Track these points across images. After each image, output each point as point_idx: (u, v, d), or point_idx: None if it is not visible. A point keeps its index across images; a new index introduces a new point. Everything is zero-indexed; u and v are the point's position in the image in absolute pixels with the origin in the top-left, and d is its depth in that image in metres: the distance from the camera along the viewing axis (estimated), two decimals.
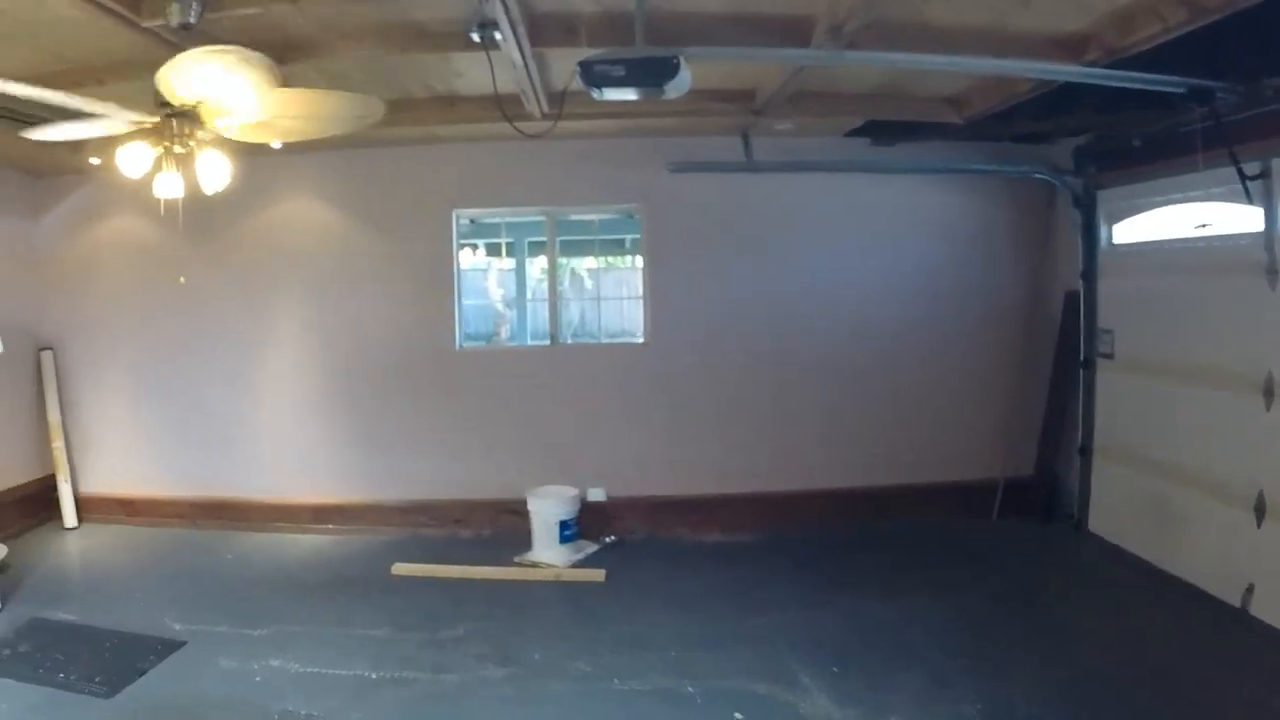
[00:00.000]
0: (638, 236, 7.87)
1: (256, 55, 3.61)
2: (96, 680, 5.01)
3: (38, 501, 8.18)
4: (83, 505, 8.32)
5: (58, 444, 8.24)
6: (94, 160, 7.20)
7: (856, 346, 7.68)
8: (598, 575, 6.58)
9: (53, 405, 8.27)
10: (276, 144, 4.70)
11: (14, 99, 3.95)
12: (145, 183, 4.54)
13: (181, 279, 6.86)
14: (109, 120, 4.25)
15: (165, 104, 4.06)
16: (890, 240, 7.71)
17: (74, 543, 7.86)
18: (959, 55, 4.96)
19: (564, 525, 6.95)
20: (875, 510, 7.57)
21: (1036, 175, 7.46)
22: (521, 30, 4.51)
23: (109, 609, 6.10)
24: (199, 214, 5.21)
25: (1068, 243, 7.58)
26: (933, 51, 4.91)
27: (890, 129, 7.19)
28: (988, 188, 7.73)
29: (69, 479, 8.27)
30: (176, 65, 3.59)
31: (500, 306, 9.38)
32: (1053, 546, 7.16)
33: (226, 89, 3.84)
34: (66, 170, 7.96)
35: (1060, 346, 7.71)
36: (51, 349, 8.32)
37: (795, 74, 5.55)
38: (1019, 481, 7.78)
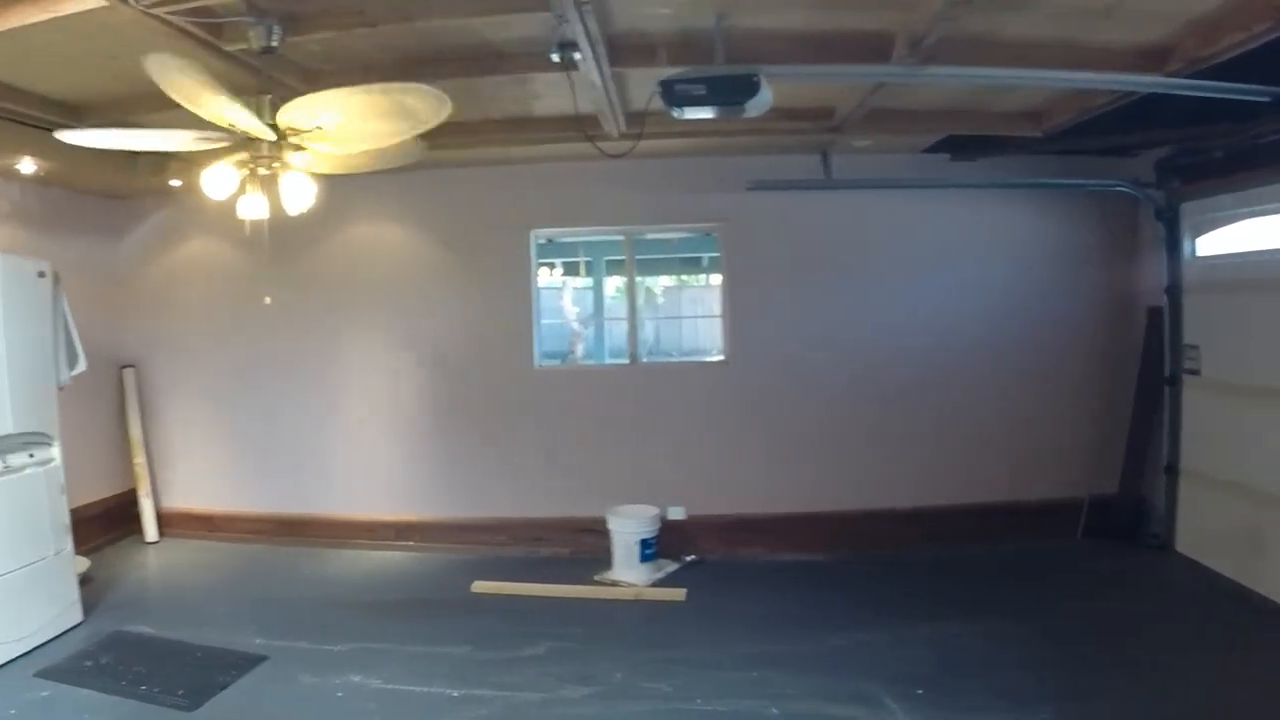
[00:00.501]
0: (714, 255, 7.82)
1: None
2: (179, 693, 5.07)
3: (119, 516, 8.33)
4: (163, 520, 8.47)
5: (139, 460, 8.39)
6: (175, 182, 7.35)
7: (936, 363, 7.55)
8: (678, 595, 6.53)
9: (134, 422, 8.42)
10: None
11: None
12: (223, 205, 4.62)
13: (268, 299, 6.95)
14: (182, 137, 4.32)
15: (254, 130, 4.13)
16: (969, 256, 7.59)
17: (154, 557, 7.99)
18: (1038, 68, 4.89)
19: (644, 544, 6.91)
20: (956, 530, 7.44)
21: (1118, 188, 7.28)
22: (601, 50, 4.52)
23: (190, 623, 6.17)
24: (278, 235, 5.28)
25: (1151, 257, 7.41)
26: (1012, 65, 4.85)
27: (968, 144, 7.10)
28: (1068, 202, 7.56)
29: (150, 494, 8.41)
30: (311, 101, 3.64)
31: (575, 325, 9.37)
32: (1140, 568, 6.97)
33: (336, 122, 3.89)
34: (148, 192, 8.13)
35: (1145, 363, 7.53)
36: (133, 366, 8.49)
37: (874, 91, 5.50)
38: (1103, 500, 7.59)
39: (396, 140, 4.21)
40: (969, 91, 5.89)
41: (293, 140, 4.17)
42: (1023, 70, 4.90)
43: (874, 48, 4.74)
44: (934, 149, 7.27)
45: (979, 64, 4.82)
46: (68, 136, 4.40)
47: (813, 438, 7.57)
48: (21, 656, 5.59)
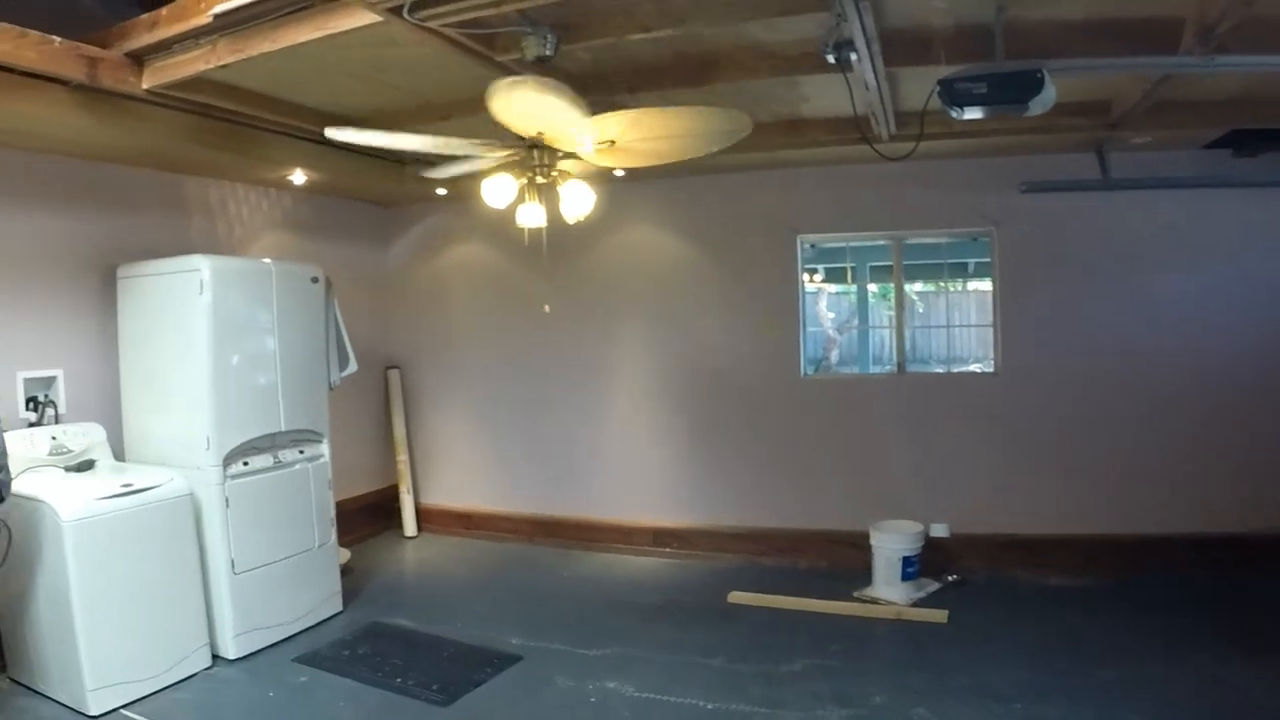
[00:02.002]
0: (981, 260, 7.48)
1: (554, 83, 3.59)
2: (434, 688, 5.20)
3: (381, 510, 8.70)
4: (423, 516, 8.79)
5: (402, 457, 8.73)
6: (441, 191, 7.59)
7: (1223, 378, 6.89)
8: (940, 616, 6.25)
9: (398, 421, 8.77)
10: (619, 171, 4.75)
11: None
12: (489, 211, 4.71)
13: (547, 307, 7.09)
14: (480, 159, 4.42)
15: (519, 137, 4.17)
16: (1259, 262, 6.97)
17: (413, 551, 8.28)
18: None
19: (907, 561, 6.64)
20: (1240, 559, 6.79)
21: None
22: (876, 49, 4.35)
23: (446, 618, 6.35)
24: (541, 241, 5.32)
25: None
26: None
27: (1252, 137, 6.52)
28: None
29: (411, 490, 8.74)
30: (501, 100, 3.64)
31: (830, 331, 9.18)
32: None
33: (553, 119, 3.88)
34: (414, 200, 8.45)
35: None
36: (398, 368, 8.84)
37: (1157, 84, 5.10)
38: None
39: (687, 156, 4.17)
40: (1256, 80, 5.36)
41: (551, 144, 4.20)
42: None
43: (1159, 37, 4.38)
44: (1215, 144, 6.70)
45: (1274, 50, 4.37)
46: (336, 135, 4.56)
47: (1083, 455, 7.07)
48: (283, 641, 5.91)
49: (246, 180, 7.17)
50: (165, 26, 4.66)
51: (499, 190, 4.38)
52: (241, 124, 5.88)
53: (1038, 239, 7.12)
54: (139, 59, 4.94)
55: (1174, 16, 4.26)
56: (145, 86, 4.98)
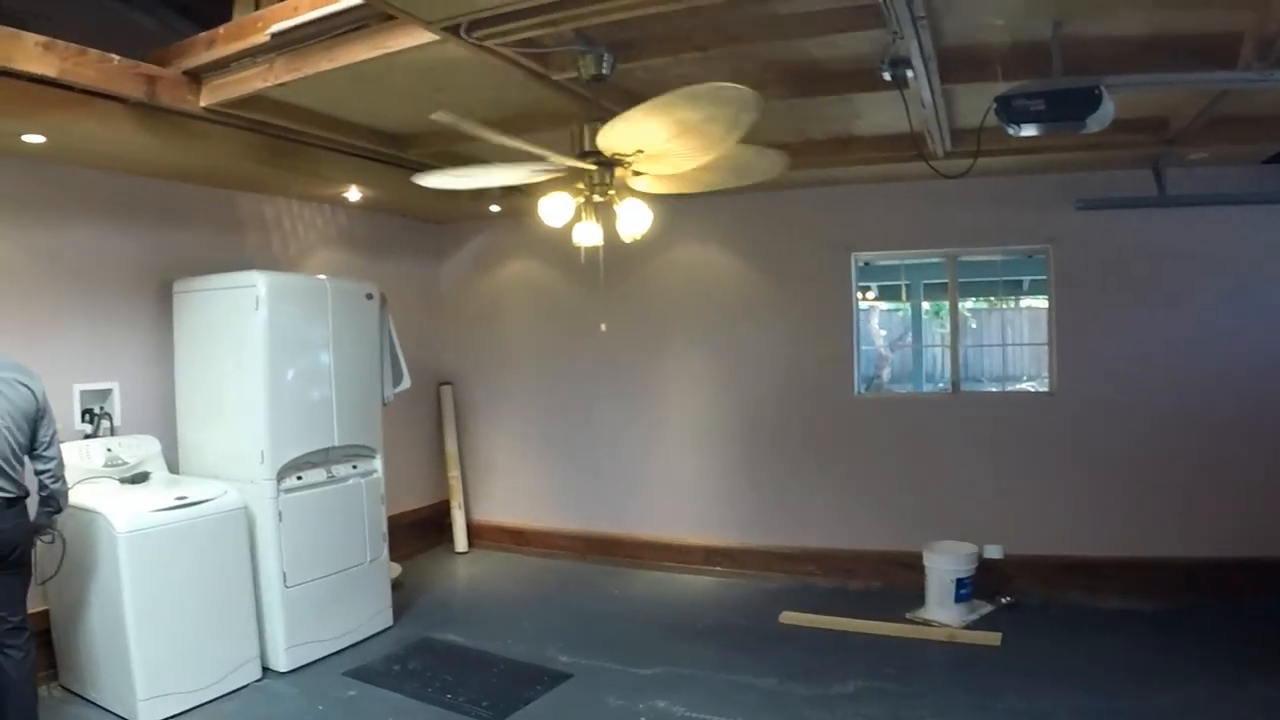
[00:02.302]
0: (1036, 277, 7.38)
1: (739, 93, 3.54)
2: (484, 705, 5.20)
3: (432, 526, 8.74)
4: (473, 532, 8.81)
5: (454, 473, 8.76)
6: (494, 208, 7.62)
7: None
8: (993, 639, 6.15)
9: (450, 437, 8.81)
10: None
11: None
12: (542, 229, 4.71)
13: (603, 326, 7.07)
14: (519, 172, 4.43)
15: (591, 153, 4.17)
16: None
17: (464, 567, 8.31)
18: None
19: (960, 583, 6.54)
20: None
21: None
22: (933, 66, 4.32)
23: (496, 635, 6.35)
24: (595, 259, 5.33)
25: None
26: None
27: None
28: None
29: (462, 506, 8.78)
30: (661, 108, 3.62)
31: (884, 349, 9.09)
32: None
33: (660, 140, 3.87)
34: (468, 217, 8.50)
35: None
36: (451, 384, 8.89)
37: (1215, 99, 5.03)
38: None
39: (717, 153, 4.13)
40: None
41: (620, 167, 4.19)
42: None
43: (1217, 51, 4.32)
44: (1273, 159, 6.58)
45: None
46: (425, 180, 4.62)
47: (1140, 477, 6.94)
48: (333, 655, 5.95)
49: (301, 197, 7.25)
50: (223, 45, 4.74)
51: (557, 209, 4.39)
52: (297, 140, 5.95)
53: (1094, 256, 7.01)
54: (197, 77, 5.02)
55: (1232, 31, 4.20)
56: (203, 104, 5.07)
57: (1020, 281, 8.42)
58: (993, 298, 8.83)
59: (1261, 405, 6.78)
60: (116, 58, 4.64)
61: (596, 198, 4.32)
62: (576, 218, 4.45)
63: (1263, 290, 6.81)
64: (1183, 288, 6.89)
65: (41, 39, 4.29)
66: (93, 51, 4.53)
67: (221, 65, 4.87)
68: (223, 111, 5.14)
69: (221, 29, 4.76)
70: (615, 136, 3.89)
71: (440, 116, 3.42)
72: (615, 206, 4.37)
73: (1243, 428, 6.81)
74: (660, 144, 3.91)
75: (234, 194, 6.77)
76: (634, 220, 4.39)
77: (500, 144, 3.87)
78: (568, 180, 4.40)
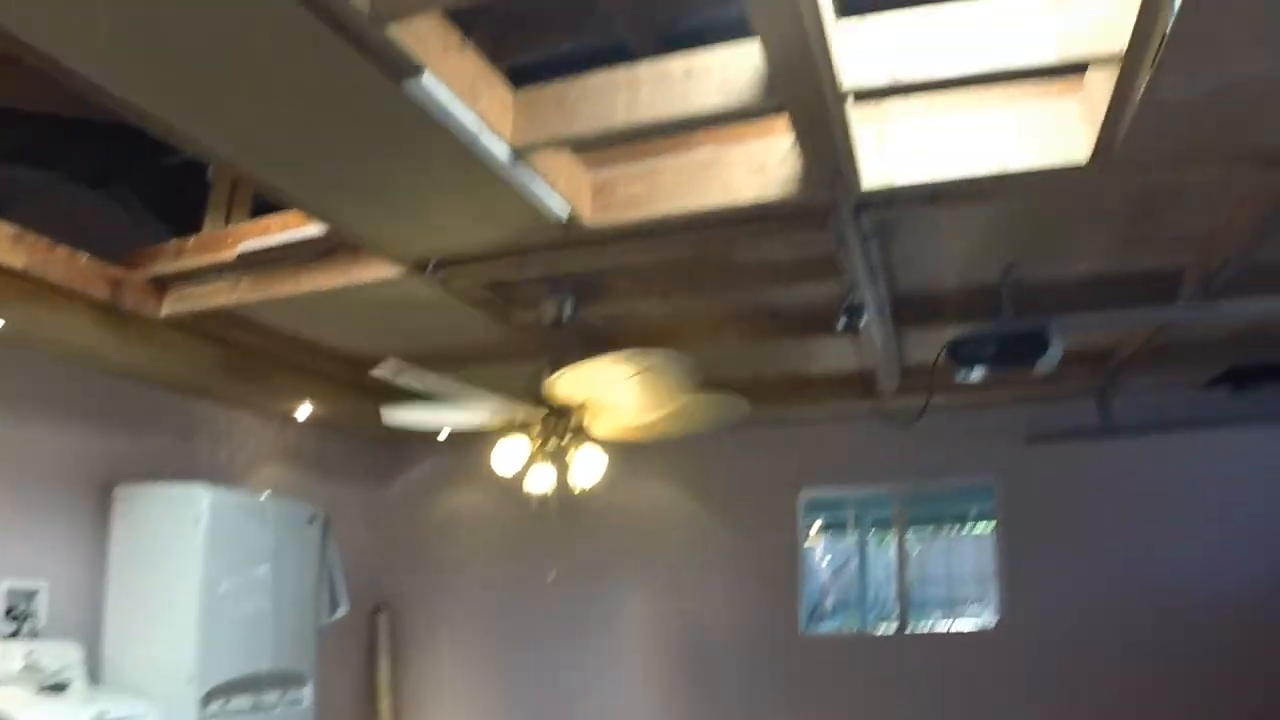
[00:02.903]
0: (984, 505, 7.42)
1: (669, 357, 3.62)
2: None
3: None
4: None
5: (384, 703, 8.38)
6: (442, 436, 7.55)
7: (1237, 633, 6.56)
8: None
9: (384, 665, 8.43)
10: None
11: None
12: (490, 457, 4.65)
13: (551, 576, 6.97)
14: (479, 414, 4.41)
15: (545, 401, 4.18)
16: (1265, 502, 6.83)
17: None
18: None
19: None
20: None
21: None
22: (887, 312, 4.44)
23: None
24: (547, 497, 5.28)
25: None
26: None
27: (1252, 373, 6.53)
28: None
29: None
30: (582, 369, 3.67)
31: (828, 578, 9.00)
32: None
33: (616, 392, 3.90)
34: (417, 440, 8.37)
35: None
36: (389, 610, 8.57)
37: (1158, 330, 5.20)
38: None
39: (662, 412, 4.19)
40: (1252, 318, 5.48)
41: (573, 414, 4.20)
42: None
43: (1161, 286, 4.53)
44: (1214, 381, 6.72)
45: (1271, 292, 4.40)
46: (393, 417, 4.60)
47: (1094, 713, 6.78)
48: None
49: (254, 408, 7.13)
50: (191, 256, 4.76)
51: (510, 455, 4.30)
52: (255, 354, 5.92)
53: (1041, 487, 7.01)
54: (162, 284, 5.02)
55: (1175, 268, 4.40)
56: (165, 313, 5.05)
57: (968, 509, 8.46)
58: (941, 525, 8.84)
59: (1211, 640, 6.70)
60: (85, 257, 4.64)
61: (551, 444, 4.29)
62: (530, 462, 4.40)
63: (1210, 515, 6.83)
64: (1129, 516, 6.87)
65: (12, 230, 4.30)
66: (62, 248, 4.53)
67: (187, 276, 4.89)
68: (185, 320, 5.13)
69: (191, 240, 4.79)
70: (568, 386, 3.91)
71: (383, 371, 3.44)
72: (570, 454, 4.33)
73: (1190, 661, 6.73)
74: (610, 397, 3.94)
75: (187, 400, 6.61)
76: (588, 469, 4.34)
77: (455, 392, 3.89)
78: (523, 423, 4.39)
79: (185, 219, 5.09)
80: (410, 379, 3.63)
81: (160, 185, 6.09)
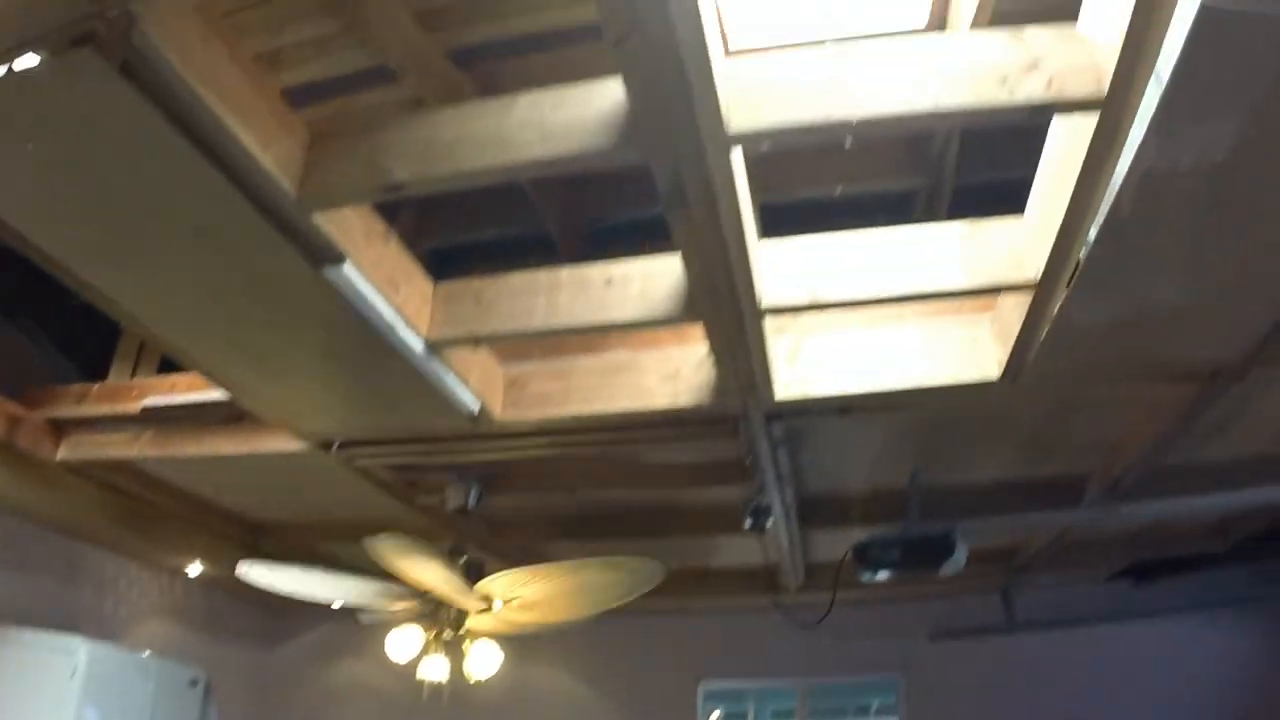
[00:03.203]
0: (887, 698, 7.35)
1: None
2: None
3: None
4: None
5: None
6: (335, 605, 7.29)
7: None
8: None
9: None
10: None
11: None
12: (381, 630, 4.52)
13: None
14: (366, 591, 4.30)
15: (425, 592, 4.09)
16: (1170, 693, 6.84)
17: None
18: (1229, 490, 4.54)
19: None
20: None
21: None
22: (793, 513, 4.45)
23: None
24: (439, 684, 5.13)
25: None
26: (1203, 489, 4.53)
27: (1152, 566, 6.63)
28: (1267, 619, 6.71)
29: None
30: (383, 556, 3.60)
31: None
32: None
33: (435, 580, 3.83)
34: (309, 608, 8.04)
35: None
36: None
37: (1062, 530, 5.30)
38: None
39: (599, 609, 4.13)
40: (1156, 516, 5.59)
41: (489, 608, 4.10)
42: (1220, 494, 4.60)
43: (1066, 490, 4.62)
44: (1117, 575, 6.80)
45: (1172, 493, 4.52)
46: (250, 574, 4.43)
47: None
48: None
49: (143, 560, 6.84)
50: (93, 403, 4.60)
51: (404, 643, 4.17)
52: (149, 506, 5.73)
53: (945, 682, 6.97)
54: (60, 427, 4.82)
55: (1080, 473, 4.50)
56: (61, 458, 4.84)
57: (870, 703, 8.38)
58: (843, 718, 8.76)
59: None
60: None
61: (447, 635, 4.18)
62: (424, 652, 4.27)
63: (1112, 710, 6.80)
64: (1033, 711, 6.85)
65: None
66: None
67: (88, 423, 4.72)
68: (80, 465, 4.94)
69: (95, 387, 4.65)
70: (502, 586, 3.84)
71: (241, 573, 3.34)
72: (466, 645, 4.22)
73: None
74: (548, 597, 3.88)
75: (75, 545, 6.29)
76: (484, 663, 4.24)
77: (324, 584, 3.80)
78: (422, 615, 4.27)
79: (93, 356, 4.98)
80: (268, 580, 3.53)
81: (69, 320, 5.98)
